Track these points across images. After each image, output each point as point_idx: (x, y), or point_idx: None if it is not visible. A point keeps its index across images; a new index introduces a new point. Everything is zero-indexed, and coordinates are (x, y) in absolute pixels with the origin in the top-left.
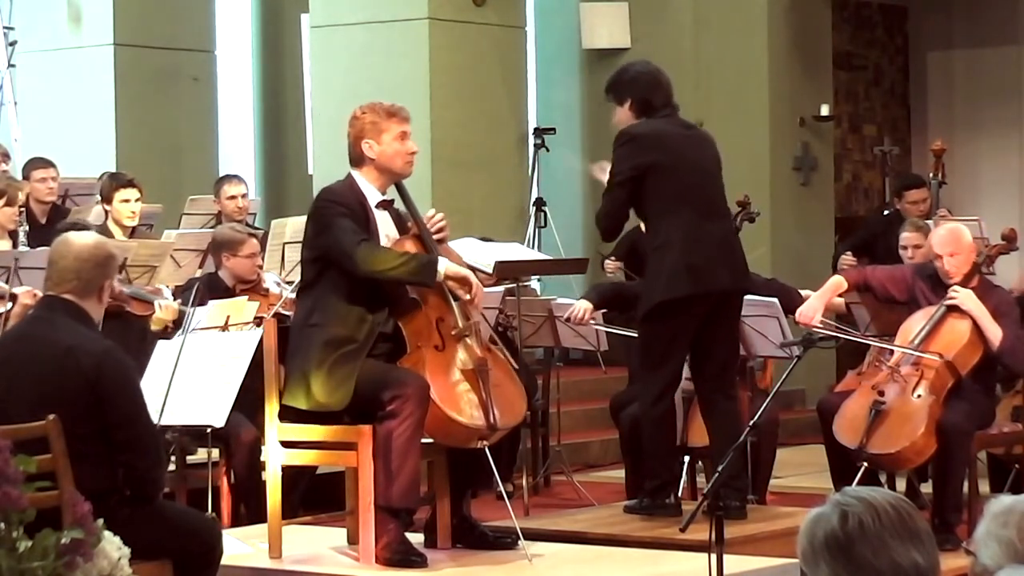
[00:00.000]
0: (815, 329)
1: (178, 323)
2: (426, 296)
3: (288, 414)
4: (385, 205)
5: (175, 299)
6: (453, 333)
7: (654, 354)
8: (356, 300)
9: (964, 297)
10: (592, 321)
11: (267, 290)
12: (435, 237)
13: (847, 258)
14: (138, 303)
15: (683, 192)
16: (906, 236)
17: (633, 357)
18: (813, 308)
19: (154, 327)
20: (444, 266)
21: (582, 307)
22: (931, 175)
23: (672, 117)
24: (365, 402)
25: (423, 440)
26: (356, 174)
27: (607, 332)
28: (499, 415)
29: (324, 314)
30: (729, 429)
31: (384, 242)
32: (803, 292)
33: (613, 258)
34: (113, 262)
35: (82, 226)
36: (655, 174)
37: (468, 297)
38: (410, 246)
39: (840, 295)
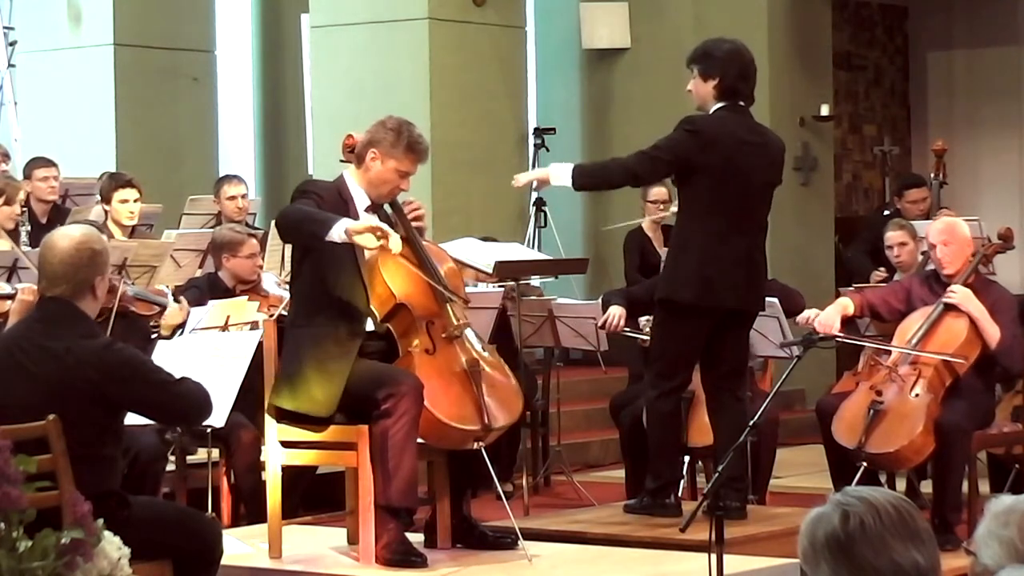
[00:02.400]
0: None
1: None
2: (415, 300)
3: (281, 415)
4: (374, 208)
5: (175, 299)
6: (444, 335)
7: (665, 356)
8: (338, 295)
9: (962, 296)
10: (627, 329)
11: (267, 291)
12: (413, 224)
13: (879, 274)
14: (142, 303)
15: (720, 200)
16: (890, 235)
17: (636, 357)
18: (831, 317)
19: (164, 332)
20: (345, 224)
21: (617, 313)
22: (932, 175)
23: (746, 114)
24: (359, 402)
25: (420, 440)
26: (349, 176)
27: (607, 333)
28: (494, 415)
29: (308, 313)
30: (735, 430)
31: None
32: (806, 312)
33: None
34: (100, 257)
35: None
36: (701, 174)
37: (380, 244)
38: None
39: (846, 317)
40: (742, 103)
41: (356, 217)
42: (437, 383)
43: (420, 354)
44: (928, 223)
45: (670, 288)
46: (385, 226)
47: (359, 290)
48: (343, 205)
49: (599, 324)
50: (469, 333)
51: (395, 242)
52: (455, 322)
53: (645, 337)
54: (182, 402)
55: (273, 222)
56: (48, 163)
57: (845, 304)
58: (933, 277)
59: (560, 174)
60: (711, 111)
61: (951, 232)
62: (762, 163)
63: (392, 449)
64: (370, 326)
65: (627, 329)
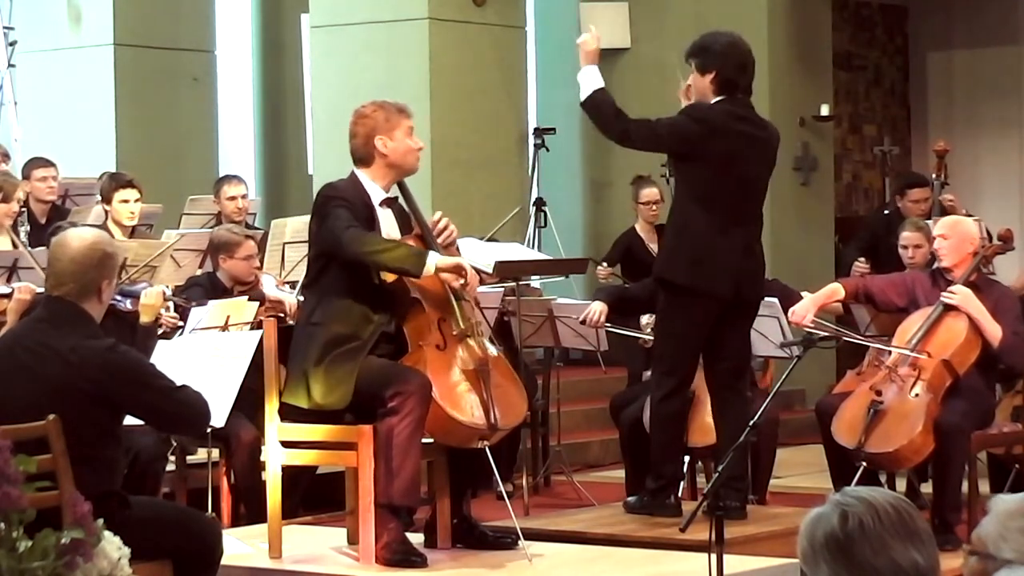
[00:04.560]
0: (813, 329)
1: (183, 315)
2: (428, 296)
3: (288, 413)
4: (389, 203)
5: (175, 296)
6: (454, 333)
7: (666, 351)
8: (359, 298)
9: (962, 297)
10: (608, 324)
11: (265, 291)
12: (440, 241)
13: (860, 265)
14: (131, 299)
15: (719, 190)
16: (906, 236)
17: (636, 357)
18: (805, 308)
19: (145, 317)
20: (435, 259)
21: (597, 309)
22: (933, 175)
23: (747, 106)
24: (367, 399)
25: (424, 440)
26: (361, 173)
27: (607, 332)
28: (500, 415)
29: (326, 312)
30: (738, 429)
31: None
32: (803, 294)
33: (604, 264)
34: (111, 261)
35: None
36: (701, 163)
37: (462, 283)
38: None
39: (837, 302)
40: (740, 95)
41: (375, 215)
42: (446, 379)
43: (431, 349)
44: (929, 223)
45: (666, 267)
46: (466, 264)
47: (379, 290)
48: (363, 205)
49: (579, 319)
50: (480, 334)
51: (474, 284)
52: (466, 321)
53: (640, 335)
54: (183, 410)
55: (340, 244)
56: (46, 163)
57: (832, 290)
58: (940, 274)
59: (587, 80)
60: (711, 103)
61: (952, 227)
62: (761, 155)
63: (396, 448)
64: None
65: (608, 325)
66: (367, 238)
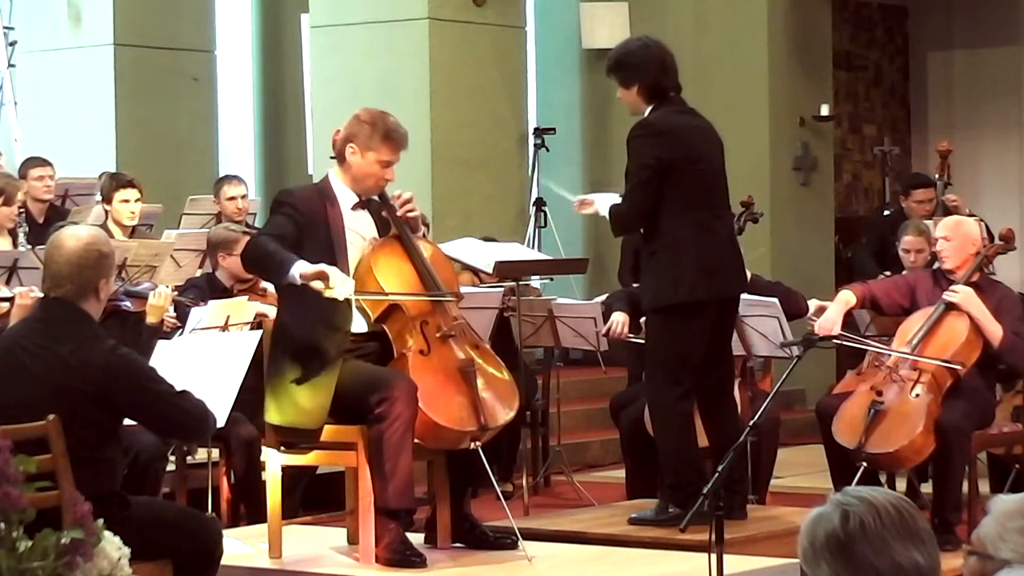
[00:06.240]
0: (838, 339)
1: (181, 316)
2: (406, 300)
3: (272, 431)
4: (364, 205)
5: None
6: (437, 335)
7: (672, 358)
8: (318, 309)
9: (964, 296)
10: (631, 336)
11: (265, 289)
12: (402, 213)
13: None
14: (135, 300)
15: (696, 191)
16: (908, 240)
17: (636, 357)
18: (832, 320)
19: (151, 318)
20: (299, 268)
21: (620, 320)
22: (936, 176)
23: (682, 104)
24: (353, 405)
25: (416, 440)
26: (334, 175)
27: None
28: (489, 414)
29: (290, 325)
30: (731, 430)
31: (359, 242)
32: (811, 302)
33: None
34: (107, 260)
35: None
36: (673, 172)
37: (328, 289)
38: (389, 250)
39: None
40: (673, 94)
41: (340, 216)
42: (432, 384)
43: (415, 355)
44: (930, 225)
45: (672, 291)
46: (335, 273)
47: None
48: (323, 208)
49: (603, 332)
50: (464, 333)
51: (340, 291)
52: (449, 321)
53: (640, 341)
54: (182, 416)
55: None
56: (43, 163)
57: (847, 299)
58: (941, 274)
59: (603, 205)
60: (647, 113)
61: (954, 229)
62: (715, 146)
63: (387, 452)
64: (364, 327)
65: (631, 336)
66: (256, 248)
